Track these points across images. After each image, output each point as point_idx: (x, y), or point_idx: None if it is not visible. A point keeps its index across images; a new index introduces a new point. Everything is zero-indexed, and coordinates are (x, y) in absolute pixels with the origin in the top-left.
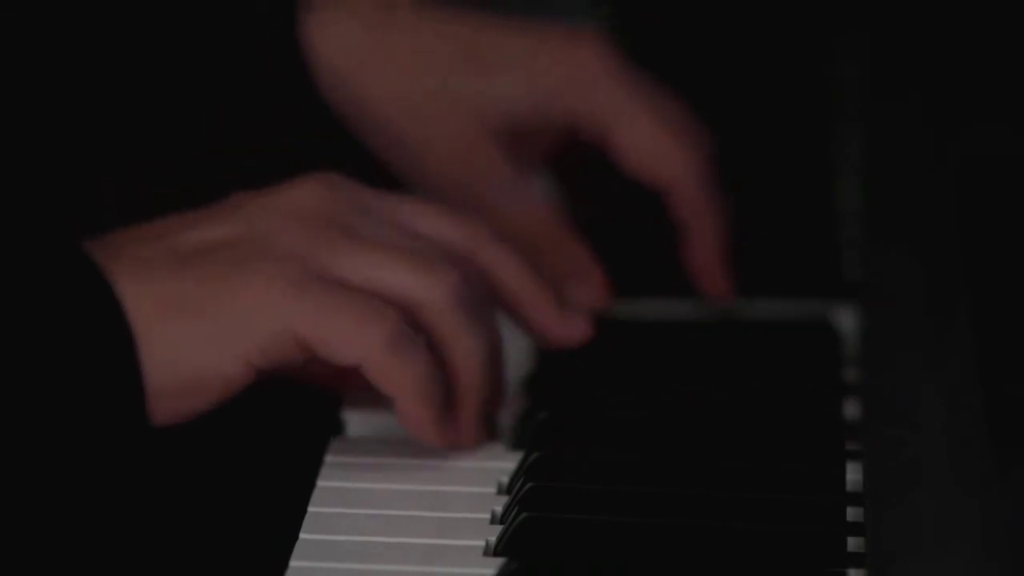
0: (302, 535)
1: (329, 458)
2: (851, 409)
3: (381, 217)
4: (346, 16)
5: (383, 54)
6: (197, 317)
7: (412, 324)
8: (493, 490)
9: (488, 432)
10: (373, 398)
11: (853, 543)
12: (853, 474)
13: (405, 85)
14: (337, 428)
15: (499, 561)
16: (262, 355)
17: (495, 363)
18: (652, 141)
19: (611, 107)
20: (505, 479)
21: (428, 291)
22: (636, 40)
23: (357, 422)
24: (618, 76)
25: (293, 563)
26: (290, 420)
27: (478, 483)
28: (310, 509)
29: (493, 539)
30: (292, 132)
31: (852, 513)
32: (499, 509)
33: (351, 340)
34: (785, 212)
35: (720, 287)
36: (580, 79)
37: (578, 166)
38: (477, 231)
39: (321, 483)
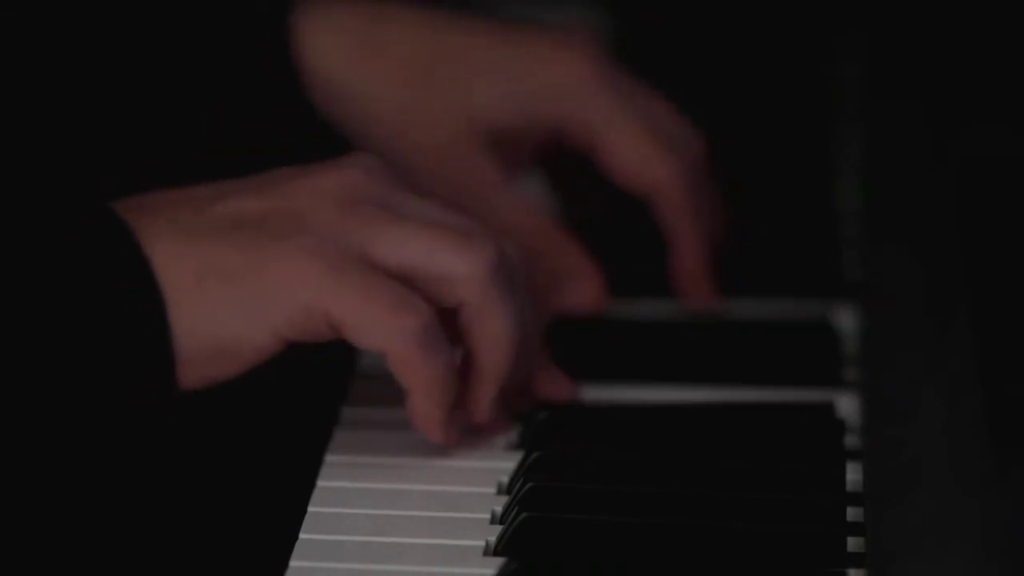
0: (302, 535)
1: (329, 458)
2: (851, 409)
3: (419, 198)
4: (336, 22)
5: (372, 60)
6: (233, 285)
7: (442, 321)
8: (493, 490)
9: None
10: (373, 398)
11: (853, 543)
12: (853, 474)
13: (393, 90)
14: (337, 427)
15: (499, 561)
16: (292, 328)
17: (526, 349)
18: (636, 148)
19: (597, 114)
20: (505, 479)
21: (464, 265)
22: (636, 40)
23: (356, 422)
24: (605, 82)
25: (293, 563)
26: (290, 420)
27: (478, 483)
28: (310, 509)
29: (493, 539)
30: (283, 136)
31: (852, 513)
32: (499, 509)
33: (381, 327)
34: (785, 212)
35: (703, 295)
36: (567, 85)
37: (572, 166)
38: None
39: (321, 483)
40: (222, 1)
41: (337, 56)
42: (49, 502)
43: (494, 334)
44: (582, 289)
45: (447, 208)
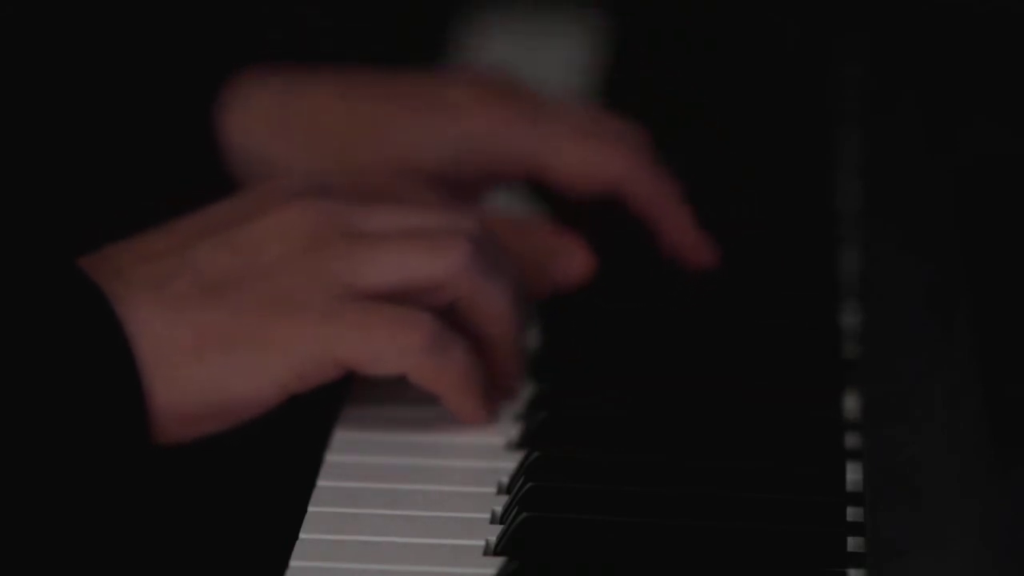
0: (302, 535)
1: (329, 458)
2: (851, 409)
3: (372, 205)
4: (256, 100)
5: (291, 133)
6: (235, 350)
7: (446, 314)
8: (493, 490)
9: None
10: (373, 397)
11: (853, 543)
12: (853, 474)
13: (316, 159)
14: (337, 427)
15: (499, 561)
16: (301, 382)
17: (522, 303)
18: (581, 157)
19: (529, 143)
20: (505, 479)
21: (444, 268)
22: (636, 40)
23: (356, 422)
24: (524, 120)
25: (293, 563)
26: (290, 420)
27: (478, 483)
28: (310, 509)
29: (493, 539)
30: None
31: (852, 513)
32: (499, 509)
33: (392, 353)
34: (785, 212)
35: (705, 257)
36: (485, 133)
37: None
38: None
39: (321, 483)
40: (148, 84)
41: (258, 133)
42: (32, 522)
43: (496, 313)
44: (570, 262)
45: (402, 205)
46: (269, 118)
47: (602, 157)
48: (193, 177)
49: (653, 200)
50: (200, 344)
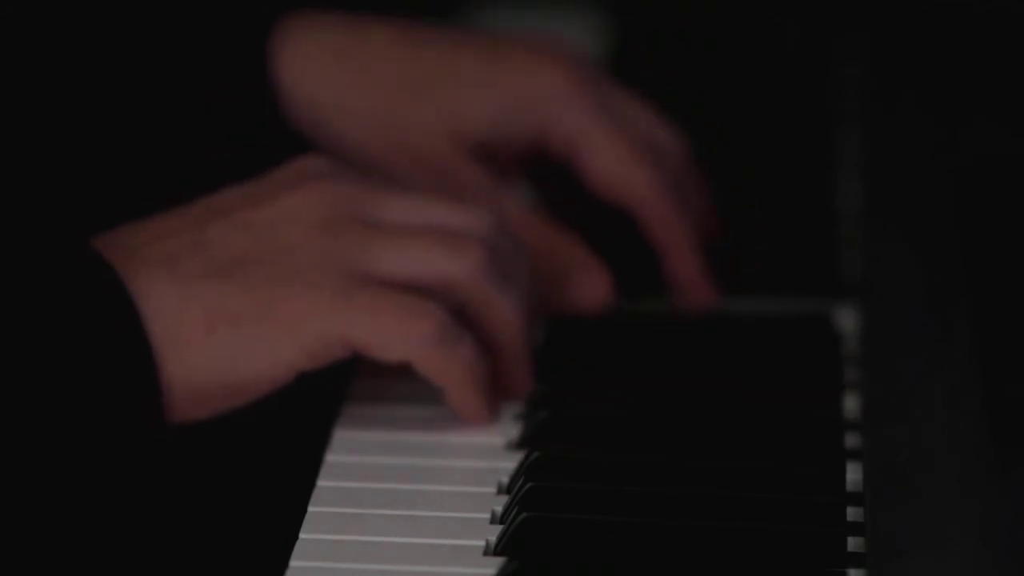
0: (302, 535)
1: (329, 458)
2: (851, 409)
3: (390, 194)
4: (315, 40)
5: (352, 77)
6: (245, 328)
7: (455, 312)
8: (493, 490)
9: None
10: (373, 397)
11: (853, 543)
12: (853, 474)
13: (374, 106)
14: (337, 426)
15: (499, 561)
16: (311, 360)
17: (534, 308)
18: (615, 163)
19: (575, 127)
20: (505, 479)
21: (459, 270)
22: (637, 40)
23: (357, 422)
24: (584, 91)
25: (293, 563)
26: (290, 420)
27: (478, 483)
28: (310, 509)
29: (493, 539)
30: (259, 157)
31: (852, 513)
32: (499, 509)
33: (400, 340)
34: (785, 211)
35: (701, 295)
36: (546, 96)
37: (558, 178)
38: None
39: (321, 483)
40: (200, 24)
41: (316, 75)
42: (33, 522)
43: (504, 320)
44: (589, 284)
45: (419, 199)
46: (323, 60)
47: (636, 171)
48: (252, 120)
49: (665, 231)
50: (211, 321)
